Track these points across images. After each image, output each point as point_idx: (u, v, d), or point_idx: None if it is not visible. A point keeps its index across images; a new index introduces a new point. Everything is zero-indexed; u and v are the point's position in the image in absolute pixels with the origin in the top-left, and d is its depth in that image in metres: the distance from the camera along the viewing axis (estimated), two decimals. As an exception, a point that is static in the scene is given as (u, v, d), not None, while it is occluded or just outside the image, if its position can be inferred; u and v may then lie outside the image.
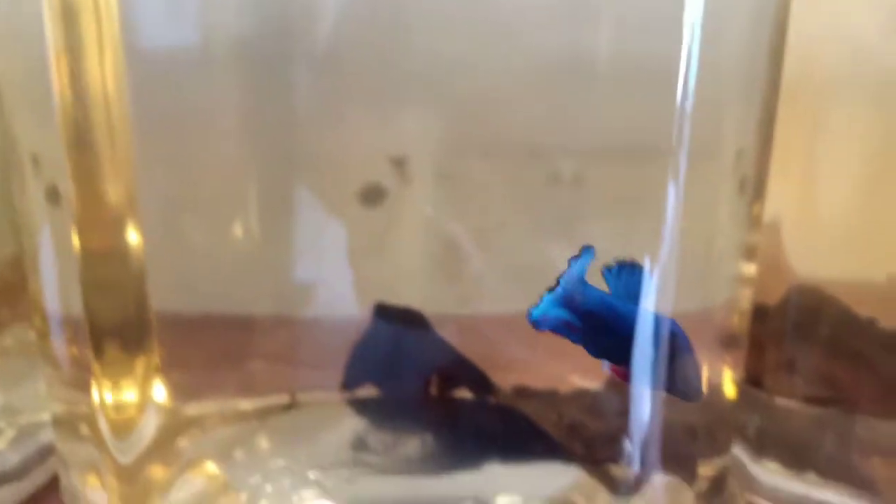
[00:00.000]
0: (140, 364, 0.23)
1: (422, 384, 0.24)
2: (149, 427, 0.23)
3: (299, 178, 0.20)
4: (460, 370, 0.23)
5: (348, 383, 0.23)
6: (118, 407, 0.22)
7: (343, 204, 0.20)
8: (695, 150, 0.18)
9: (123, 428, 0.22)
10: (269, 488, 0.24)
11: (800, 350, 0.24)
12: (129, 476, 0.22)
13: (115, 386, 0.22)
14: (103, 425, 0.21)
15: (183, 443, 0.24)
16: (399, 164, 0.20)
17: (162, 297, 0.22)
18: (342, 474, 0.24)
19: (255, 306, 0.21)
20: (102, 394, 0.21)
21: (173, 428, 0.24)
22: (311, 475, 0.24)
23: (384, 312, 0.22)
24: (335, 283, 0.21)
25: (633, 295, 0.17)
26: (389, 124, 0.20)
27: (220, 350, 0.23)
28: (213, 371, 0.23)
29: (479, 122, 0.20)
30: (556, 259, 0.19)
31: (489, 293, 0.21)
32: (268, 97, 0.20)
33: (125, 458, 0.22)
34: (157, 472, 0.23)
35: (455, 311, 0.21)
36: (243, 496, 0.24)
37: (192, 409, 0.24)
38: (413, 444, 0.24)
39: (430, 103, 0.20)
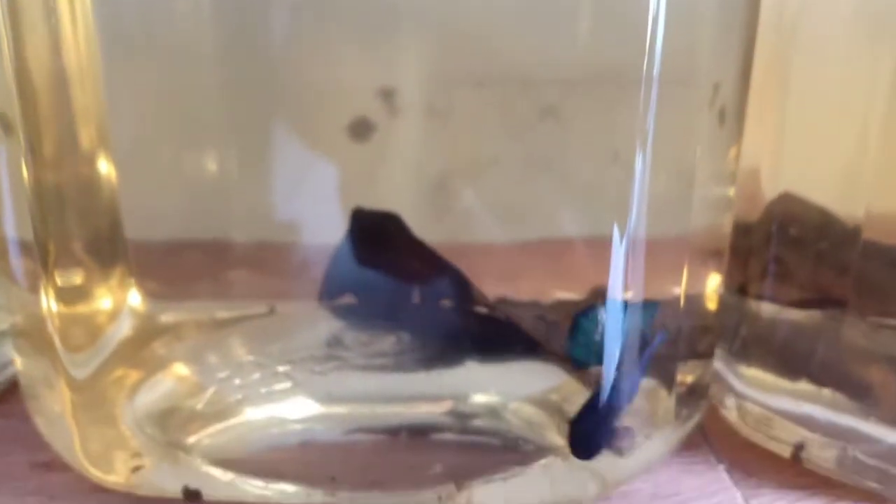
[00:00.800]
0: (109, 276, 0.23)
1: (402, 291, 0.23)
2: (113, 337, 0.23)
3: (283, 110, 0.20)
4: (441, 274, 0.22)
5: (327, 293, 0.22)
6: (78, 319, 0.22)
7: (330, 137, 0.20)
8: (671, 80, 0.18)
9: (83, 340, 0.22)
10: (237, 382, 0.23)
11: (786, 257, 0.23)
12: (86, 386, 0.22)
13: (79, 298, 0.22)
14: (56, 339, 0.21)
15: (156, 349, 0.24)
16: (387, 96, 0.19)
17: (138, 225, 0.22)
18: (314, 368, 0.23)
19: (234, 234, 0.22)
20: (51, 306, 0.21)
21: (145, 335, 0.24)
22: (282, 369, 0.23)
23: (361, 217, 0.21)
24: (320, 216, 0.21)
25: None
26: (377, 55, 0.19)
27: (197, 264, 0.22)
28: (190, 282, 0.23)
29: (469, 52, 0.19)
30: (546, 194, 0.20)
31: (479, 230, 0.21)
32: (249, 25, 0.19)
33: (80, 373, 0.21)
34: (124, 377, 0.23)
35: (443, 247, 0.21)
36: (210, 391, 0.23)
37: (167, 317, 0.24)
38: (389, 342, 0.23)
39: (419, 33, 0.19)
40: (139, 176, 0.22)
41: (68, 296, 0.21)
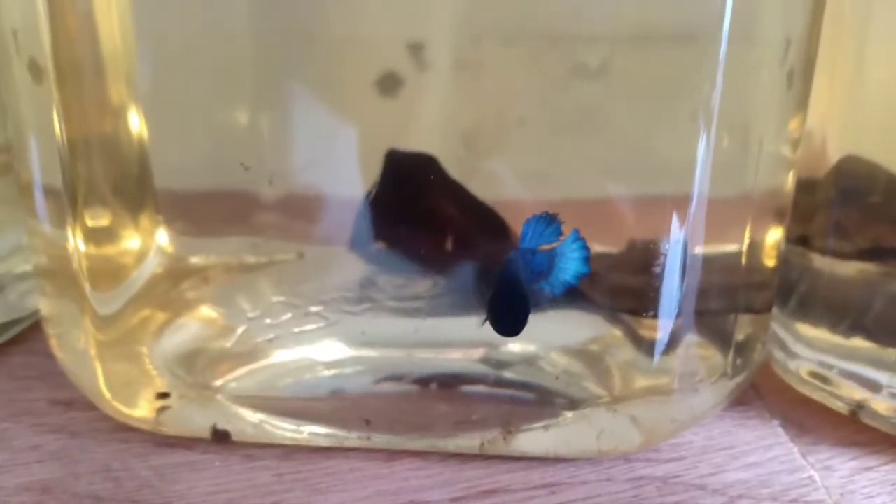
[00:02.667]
0: (137, 216, 0.22)
1: (437, 235, 0.22)
2: (139, 277, 0.22)
3: (311, 63, 0.20)
4: (477, 216, 0.21)
5: (357, 240, 0.21)
6: (106, 258, 0.21)
7: (358, 91, 0.19)
8: (739, 36, 0.17)
9: (109, 279, 0.21)
10: (268, 321, 0.22)
11: (849, 214, 0.22)
12: (111, 324, 0.21)
13: (107, 238, 0.21)
14: (83, 278, 0.20)
15: (183, 290, 0.23)
16: (416, 50, 0.19)
17: (167, 174, 0.21)
18: (347, 309, 0.22)
19: (263, 185, 0.21)
20: (78, 246, 0.20)
21: (173, 276, 0.23)
22: (314, 309, 0.22)
23: (396, 158, 0.20)
24: (347, 169, 0.20)
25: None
26: (406, 7, 0.19)
27: (226, 210, 0.22)
28: (218, 225, 0.22)
29: (500, 5, 0.18)
30: (577, 158, 0.19)
31: (506, 190, 0.20)
32: None
33: (106, 310, 0.21)
34: (150, 318, 0.22)
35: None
36: (240, 330, 0.22)
37: (196, 259, 0.23)
38: (424, 286, 0.22)
39: None
40: (168, 124, 0.21)
41: (96, 235, 0.21)
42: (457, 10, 0.19)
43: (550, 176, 0.20)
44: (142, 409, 0.21)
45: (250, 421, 0.21)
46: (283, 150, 0.20)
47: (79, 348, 0.21)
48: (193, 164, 0.22)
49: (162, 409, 0.21)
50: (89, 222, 0.20)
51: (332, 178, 0.21)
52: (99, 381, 0.21)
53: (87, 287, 0.20)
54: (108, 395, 0.21)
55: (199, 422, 0.21)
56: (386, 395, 0.22)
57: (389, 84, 0.19)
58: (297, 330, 0.22)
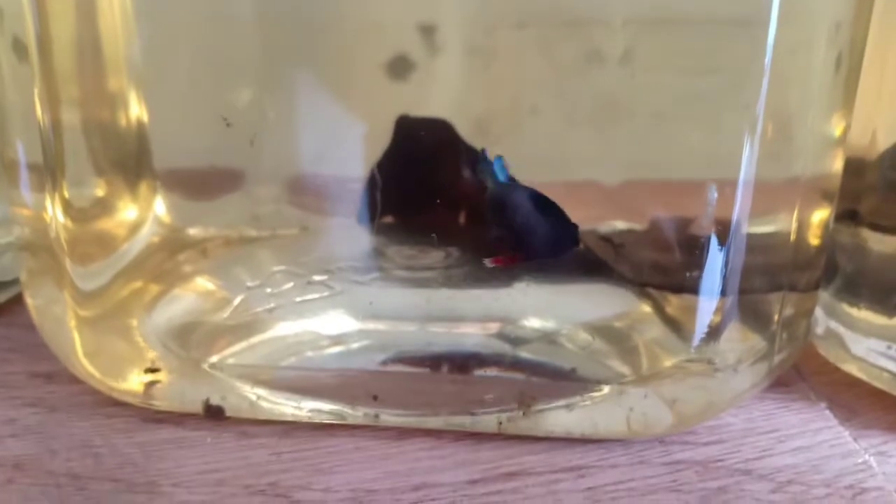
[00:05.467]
0: (133, 187, 0.21)
1: (451, 204, 0.20)
2: (131, 249, 0.21)
3: (319, 44, 0.19)
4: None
5: (365, 213, 0.20)
6: (89, 231, 0.20)
7: (368, 74, 0.19)
8: (787, 19, 0.16)
9: (93, 252, 0.20)
10: (268, 290, 0.20)
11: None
12: (97, 296, 0.20)
13: (93, 210, 0.20)
14: (65, 252, 0.19)
15: (179, 263, 0.22)
16: (427, 32, 0.18)
17: (168, 154, 0.21)
18: (354, 278, 0.20)
19: (270, 164, 0.20)
20: (58, 217, 0.19)
21: (169, 248, 0.22)
22: (318, 278, 0.20)
23: (407, 124, 0.19)
24: (355, 154, 0.19)
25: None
26: None
27: (228, 184, 0.21)
28: (218, 198, 0.21)
29: None
30: (594, 151, 0.18)
31: (518, 177, 0.19)
32: None
33: (89, 284, 0.20)
34: (142, 290, 0.21)
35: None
36: (238, 300, 0.20)
37: (194, 231, 0.22)
38: (437, 257, 0.20)
39: None
40: (168, 104, 0.21)
41: (78, 208, 0.19)
42: None
43: (565, 164, 0.19)
44: (129, 383, 0.19)
45: (247, 396, 0.19)
46: (290, 133, 0.19)
47: (58, 319, 0.19)
48: (196, 146, 0.21)
49: (151, 384, 0.19)
50: (78, 194, 0.19)
51: (340, 163, 0.19)
52: (78, 353, 0.19)
53: (67, 261, 0.19)
54: (89, 367, 0.19)
55: (190, 396, 0.19)
56: (396, 373, 0.20)
57: (400, 67, 0.18)
58: (299, 299, 0.20)
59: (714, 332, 0.19)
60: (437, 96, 0.19)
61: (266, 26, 0.19)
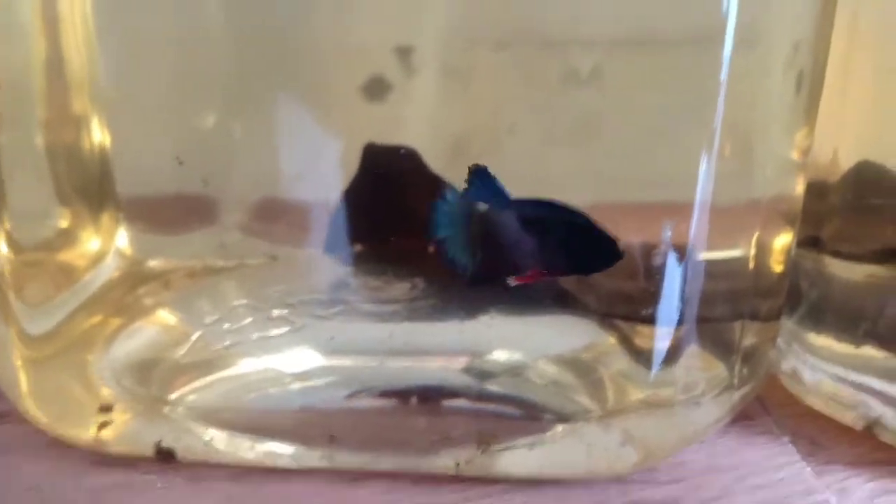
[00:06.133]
0: (97, 220, 0.21)
1: (419, 232, 0.20)
2: (91, 283, 0.21)
3: (293, 65, 0.19)
4: None
5: (333, 241, 0.20)
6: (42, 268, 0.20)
7: (344, 97, 0.18)
8: (744, 39, 0.16)
9: (44, 291, 0.20)
10: (226, 326, 0.20)
11: (862, 218, 0.21)
12: (49, 336, 0.19)
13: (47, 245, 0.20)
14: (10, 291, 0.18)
15: (141, 296, 0.21)
16: (404, 54, 0.18)
17: (133, 179, 0.20)
18: (316, 312, 0.20)
19: (239, 191, 0.20)
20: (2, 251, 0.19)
21: (130, 281, 0.21)
22: (277, 312, 0.20)
23: (374, 152, 0.19)
24: (328, 177, 0.19)
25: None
26: (394, 10, 0.18)
27: (194, 212, 0.20)
28: (183, 227, 0.21)
29: (490, 8, 0.18)
30: (572, 167, 0.18)
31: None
32: None
33: (38, 326, 0.19)
34: (102, 325, 0.21)
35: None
36: (195, 336, 0.20)
37: (157, 263, 0.21)
38: (402, 288, 0.20)
39: None
40: (134, 131, 0.20)
41: (31, 240, 0.19)
42: (446, 13, 0.18)
43: (543, 183, 0.19)
44: (81, 425, 0.19)
45: (201, 437, 0.19)
46: (262, 157, 0.19)
47: (6, 357, 0.19)
48: (162, 170, 0.20)
49: (104, 425, 0.19)
50: (36, 225, 0.19)
51: (315, 185, 0.19)
52: (24, 395, 0.19)
53: (13, 300, 0.18)
54: (36, 410, 0.19)
55: (142, 438, 0.19)
56: (360, 410, 0.20)
57: (377, 89, 0.18)
58: (257, 336, 0.20)
59: (672, 363, 0.19)
60: (414, 117, 0.19)
61: (237, 48, 0.19)
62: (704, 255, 0.18)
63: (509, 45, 0.18)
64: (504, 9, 0.17)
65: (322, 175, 0.19)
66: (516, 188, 0.18)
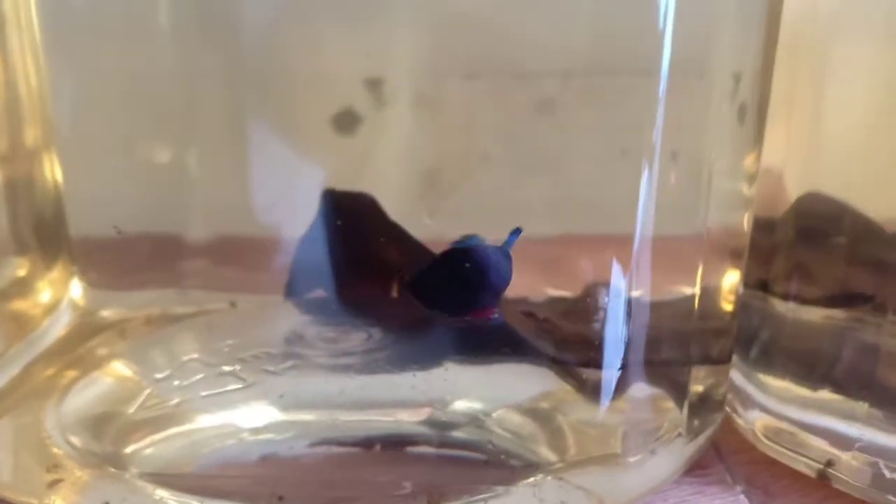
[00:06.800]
0: (50, 268, 0.21)
1: (375, 280, 0.20)
2: (44, 336, 0.21)
3: (260, 98, 0.19)
4: (420, 262, 0.19)
5: (293, 286, 0.20)
6: None
7: (313, 129, 0.19)
8: (682, 70, 0.17)
9: None
10: (176, 383, 0.20)
11: (811, 255, 0.21)
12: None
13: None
14: None
15: (94, 347, 0.21)
16: (374, 86, 0.18)
17: (89, 219, 0.20)
18: (268, 368, 0.20)
19: (194, 228, 0.20)
20: None
21: (84, 332, 0.21)
22: (227, 368, 0.20)
23: (332, 198, 0.19)
24: (295, 211, 0.19)
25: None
26: (363, 41, 0.18)
27: (150, 256, 0.20)
28: (140, 275, 0.21)
29: (460, 40, 0.18)
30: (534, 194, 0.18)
31: (469, 229, 0.19)
32: (216, 7, 0.18)
33: None
34: (55, 377, 0.21)
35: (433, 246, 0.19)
36: (145, 393, 0.20)
37: (110, 312, 0.21)
38: (357, 339, 0.20)
39: (408, 19, 0.18)
40: (88, 169, 0.20)
41: None
42: (416, 44, 0.18)
43: (514, 213, 0.19)
44: (29, 487, 0.19)
45: (153, 498, 0.19)
46: (226, 194, 0.19)
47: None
48: (117, 211, 0.20)
49: (53, 484, 0.19)
50: None
51: (283, 222, 0.19)
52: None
53: None
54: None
55: (92, 500, 0.18)
56: (320, 459, 0.19)
57: (346, 121, 0.18)
58: (206, 393, 0.20)
59: (619, 409, 0.19)
60: (385, 149, 0.19)
61: (198, 80, 0.19)
62: (647, 294, 0.18)
63: (480, 75, 0.18)
64: (471, 39, 0.18)
65: (289, 212, 0.19)
66: (487, 219, 0.19)
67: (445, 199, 0.19)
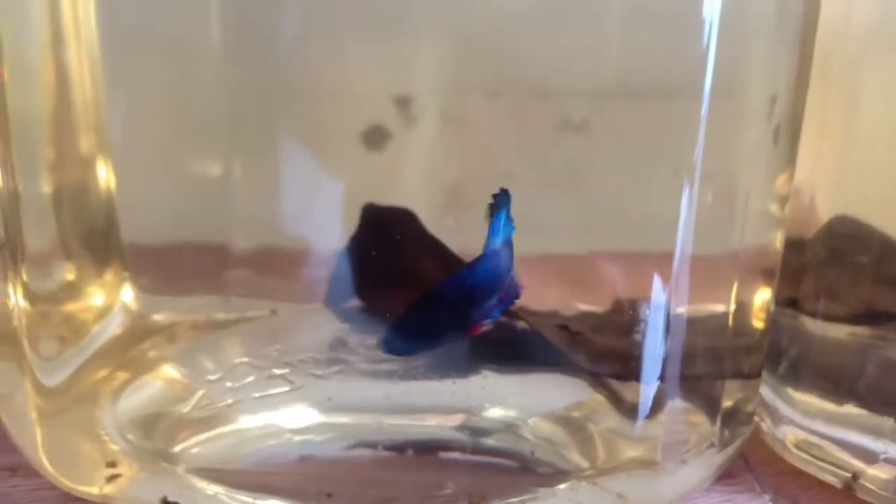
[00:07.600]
0: (102, 273, 0.21)
1: (413, 292, 0.21)
2: (99, 336, 0.21)
3: (294, 114, 0.19)
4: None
5: (333, 296, 0.20)
6: (53, 321, 0.20)
7: (344, 145, 0.19)
8: (721, 92, 0.17)
9: (57, 343, 0.20)
10: (228, 384, 0.21)
11: (840, 276, 0.21)
12: (59, 390, 0.20)
13: (56, 298, 0.20)
14: (25, 344, 0.19)
15: (146, 350, 0.22)
16: (403, 103, 0.18)
17: (137, 228, 0.21)
18: (315, 372, 0.21)
19: (238, 238, 0.20)
20: (19, 303, 0.19)
21: (136, 335, 0.22)
22: (278, 371, 0.21)
23: (373, 212, 0.20)
24: (329, 224, 0.20)
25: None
26: (393, 61, 0.18)
27: (197, 265, 0.21)
28: (187, 281, 0.21)
29: (487, 59, 0.18)
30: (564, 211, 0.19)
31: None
32: (259, 26, 0.18)
33: (52, 378, 0.20)
34: (108, 379, 0.21)
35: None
36: (199, 394, 0.21)
37: (161, 316, 0.22)
38: (399, 348, 0.21)
39: (436, 39, 0.18)
40: (139, 177, 0.21)
41: (43, 292, 0.20)
42: (444, 63, 0.18)
43: (535, 232, 0.19)
44: (90, 482, 0.20)
45: (205, 493, 0.19)
46: (264, 205, 0.20)
47: (21, 411, 0.20)
48: (165, 219, 0.21)
49: (112, 478, 0.20)
50: (44, 277, 0.19)
51: (315, 233, 0.20)
52: (38, 447, 0.19)
53: (28, 352, 0.19)
54: (48, 465, 0.19)
55: (149, 494, 0.19)
56: (358, 462, 0.20)
57: (376, 137, 0.19)
58: (258, 395, 0.21)
59: (656, 420, 0.19)
60: (413, 165, 0.20)
61: (241, 97, 0.19)
62: (684, 310, 0.19)
63: (503, 93, 0.18)
64: (498, 59, 0.18)
65: (322, 225, 0.20)
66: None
67: (471, 214, 0.19)
